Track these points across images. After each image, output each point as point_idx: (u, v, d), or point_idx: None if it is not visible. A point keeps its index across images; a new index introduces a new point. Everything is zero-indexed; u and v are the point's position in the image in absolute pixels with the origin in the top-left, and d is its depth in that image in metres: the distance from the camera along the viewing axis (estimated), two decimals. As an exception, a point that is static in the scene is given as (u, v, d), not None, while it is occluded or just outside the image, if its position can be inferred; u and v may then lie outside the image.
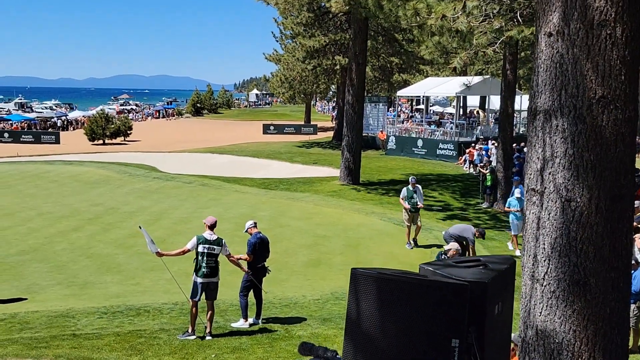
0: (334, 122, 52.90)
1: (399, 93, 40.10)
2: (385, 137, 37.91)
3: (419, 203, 15.96)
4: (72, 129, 64.62)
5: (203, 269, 9.19)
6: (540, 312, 3.55)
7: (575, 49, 3.35)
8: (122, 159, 34.56)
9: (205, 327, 9.37)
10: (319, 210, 20.52)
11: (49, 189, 24.52)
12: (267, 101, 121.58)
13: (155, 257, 14.32)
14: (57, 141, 46.30)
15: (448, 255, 10.31)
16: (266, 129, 55.56)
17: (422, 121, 38.43)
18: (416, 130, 37.01)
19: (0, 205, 20.70)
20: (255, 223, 10.44)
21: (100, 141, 46.51)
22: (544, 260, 3.53)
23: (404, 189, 16.27)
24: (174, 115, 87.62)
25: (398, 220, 18.95)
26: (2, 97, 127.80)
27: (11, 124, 59.11)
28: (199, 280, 9.20)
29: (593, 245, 3.43)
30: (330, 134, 49.93)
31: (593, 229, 3.42)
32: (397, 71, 44.11)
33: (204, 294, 9.29)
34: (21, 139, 47.13)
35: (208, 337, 9.27)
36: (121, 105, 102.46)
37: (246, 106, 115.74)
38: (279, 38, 44.75)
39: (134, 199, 22.33)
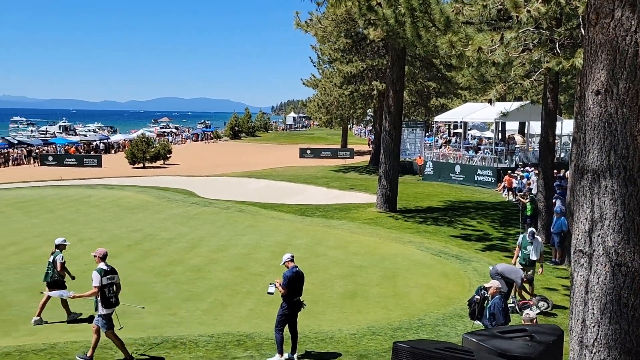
0: (371, 146, 52.84)
1: (437, 118, 39.86)
2: (423, 163, 37.63)
3: (532, 256, 13.83)
4: (113, 151, 66.07)
5: (112, 299, 9.78)
6: (590, 381, 3.39)
7: (624, 108, 3.22)
8: (161, 183, 35.06)
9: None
10: (355, 238, 20.37)
11: (90, 215, 24.96)
12: (304, 124, 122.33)
13: (192, 287, 14.47)
14: (100, 164, 47.37)
15: (489, 293, 10.15)
16: (303, 153, 55.94)
17: (460, 147, 38.03)
18: (454, 155, 36.66)
19: (43, 232, 21.14)
20: (292, 257, 10.40)
21: (141, 165, 47.45)
22: (593, 326, 3.37)
23: (522, 236, 14.30)
24: (212, 139, 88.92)
25: (435, 250, 18.69)
26: (47, 120, 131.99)
27: (55, 148, 60.76)
28: (109, 310, 9.73)
29: (646, 312, 3.27)
30: (367, 158, 49.85)
31: (645, 295, 3.27)
32: (434, 95, 43.93)
33: None
34: (65, 162, 48.40)
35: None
36: (161, 128, 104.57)
37: (283, 129, 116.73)
38: (317, 63, 45.14)
39: (172, 225, 22.54)
